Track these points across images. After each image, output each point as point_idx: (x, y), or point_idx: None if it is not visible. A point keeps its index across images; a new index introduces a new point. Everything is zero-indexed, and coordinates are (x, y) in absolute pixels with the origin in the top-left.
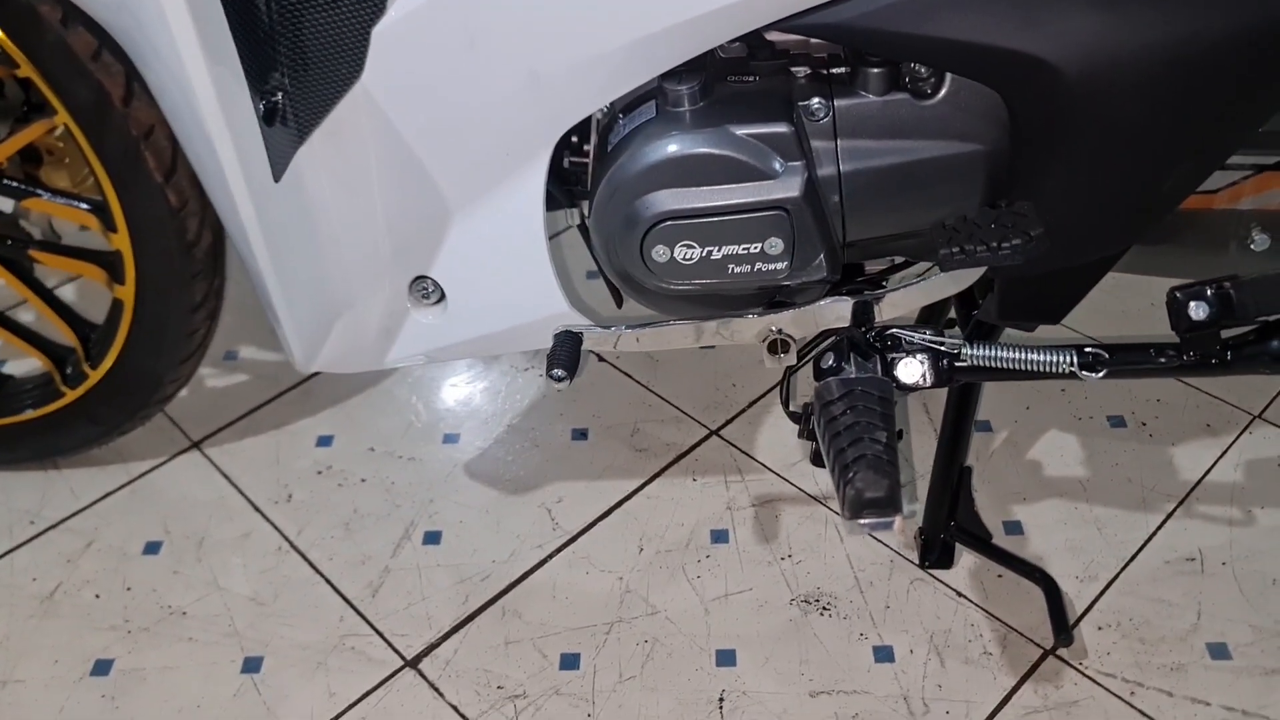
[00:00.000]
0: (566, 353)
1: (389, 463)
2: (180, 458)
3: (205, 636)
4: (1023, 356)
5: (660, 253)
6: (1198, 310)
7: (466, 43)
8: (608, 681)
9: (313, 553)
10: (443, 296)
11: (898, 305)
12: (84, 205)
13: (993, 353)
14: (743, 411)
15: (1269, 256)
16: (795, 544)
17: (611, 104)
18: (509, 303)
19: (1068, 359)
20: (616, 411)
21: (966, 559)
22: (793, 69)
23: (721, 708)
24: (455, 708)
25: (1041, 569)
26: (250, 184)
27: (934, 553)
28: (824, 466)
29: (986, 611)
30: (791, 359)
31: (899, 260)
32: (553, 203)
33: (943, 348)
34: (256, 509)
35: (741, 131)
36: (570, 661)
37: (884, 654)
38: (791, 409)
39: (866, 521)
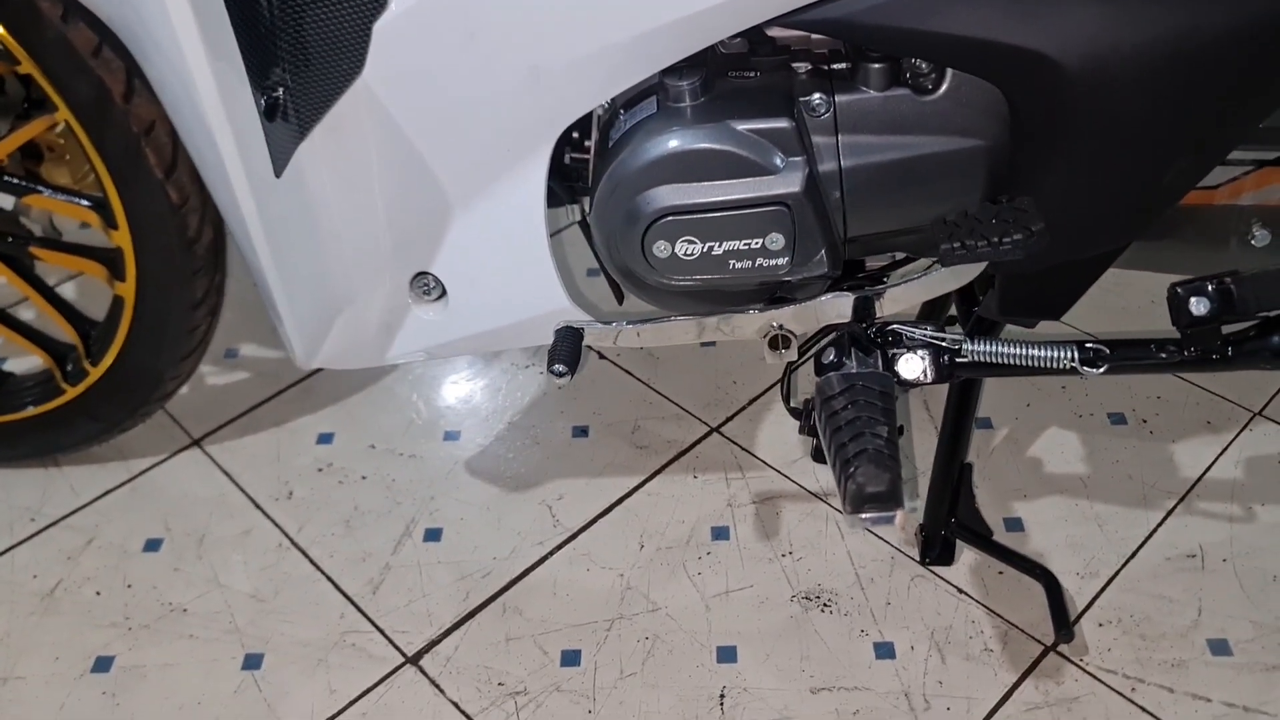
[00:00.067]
0: (567, 348)
1: (390, 460)
2: (181, 455)
3: (206, 633)
4: (1023, 352)
5: (661, 248)
6: (1198, 306)
7: (467, 38)
8: (609, 678)
9: (313, 550)
10: (444, 292)
11: (899, 301)
12: (85, 202)
13: (993, 348)
14: (743, 409)
15: (1270, 252)
16: (796, 541)
17: (612, 99)
18: (510, 299)
19: (1069, 354)
20: (617, 409)
21: (967, 556)
22: (794, 64)
23: (722, 704)
24: (456, 704)
25: (1042, 565)
26: (251, 180)
27: (935, 549)
28: (825, 462)
29: (987, 608)
30: (792, 355)
31: (900, 256)
32: (554, 199)
33: (944, 343)
34: (257, 506)
35: (742, 127)
36: (571, 658)
37: (885, 650)
38: (792, 405)
39: (868, 516)
